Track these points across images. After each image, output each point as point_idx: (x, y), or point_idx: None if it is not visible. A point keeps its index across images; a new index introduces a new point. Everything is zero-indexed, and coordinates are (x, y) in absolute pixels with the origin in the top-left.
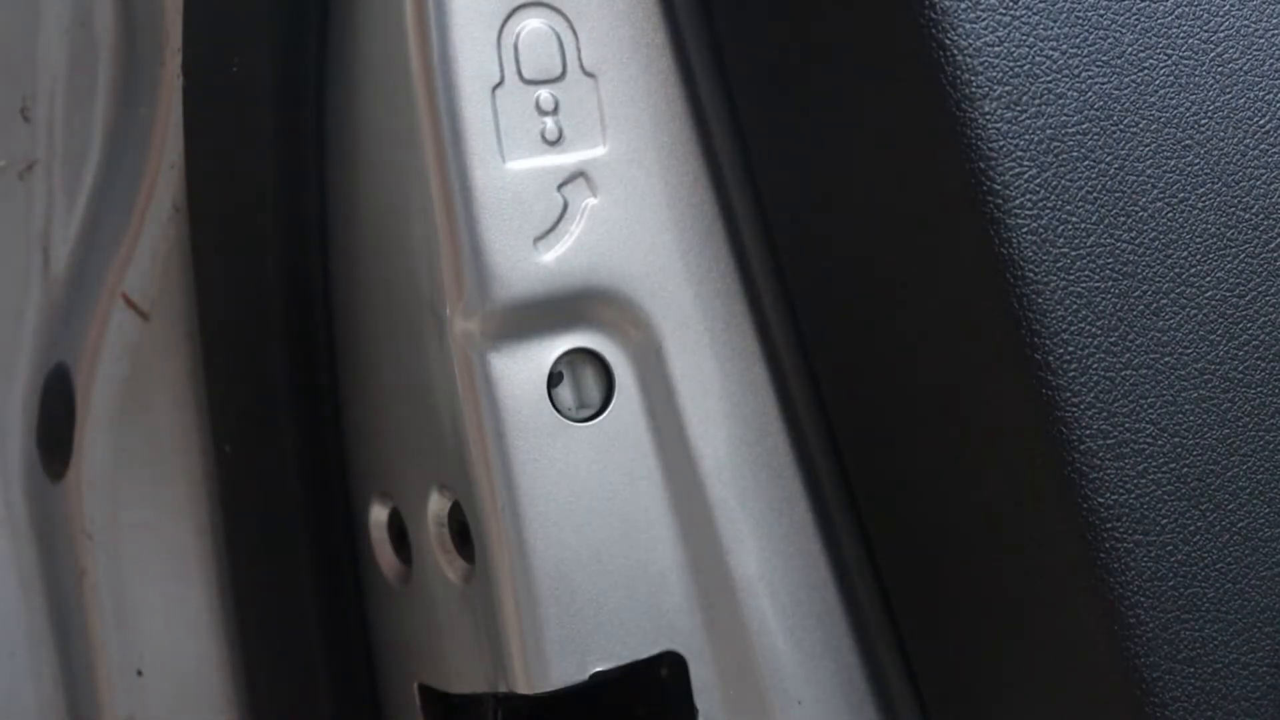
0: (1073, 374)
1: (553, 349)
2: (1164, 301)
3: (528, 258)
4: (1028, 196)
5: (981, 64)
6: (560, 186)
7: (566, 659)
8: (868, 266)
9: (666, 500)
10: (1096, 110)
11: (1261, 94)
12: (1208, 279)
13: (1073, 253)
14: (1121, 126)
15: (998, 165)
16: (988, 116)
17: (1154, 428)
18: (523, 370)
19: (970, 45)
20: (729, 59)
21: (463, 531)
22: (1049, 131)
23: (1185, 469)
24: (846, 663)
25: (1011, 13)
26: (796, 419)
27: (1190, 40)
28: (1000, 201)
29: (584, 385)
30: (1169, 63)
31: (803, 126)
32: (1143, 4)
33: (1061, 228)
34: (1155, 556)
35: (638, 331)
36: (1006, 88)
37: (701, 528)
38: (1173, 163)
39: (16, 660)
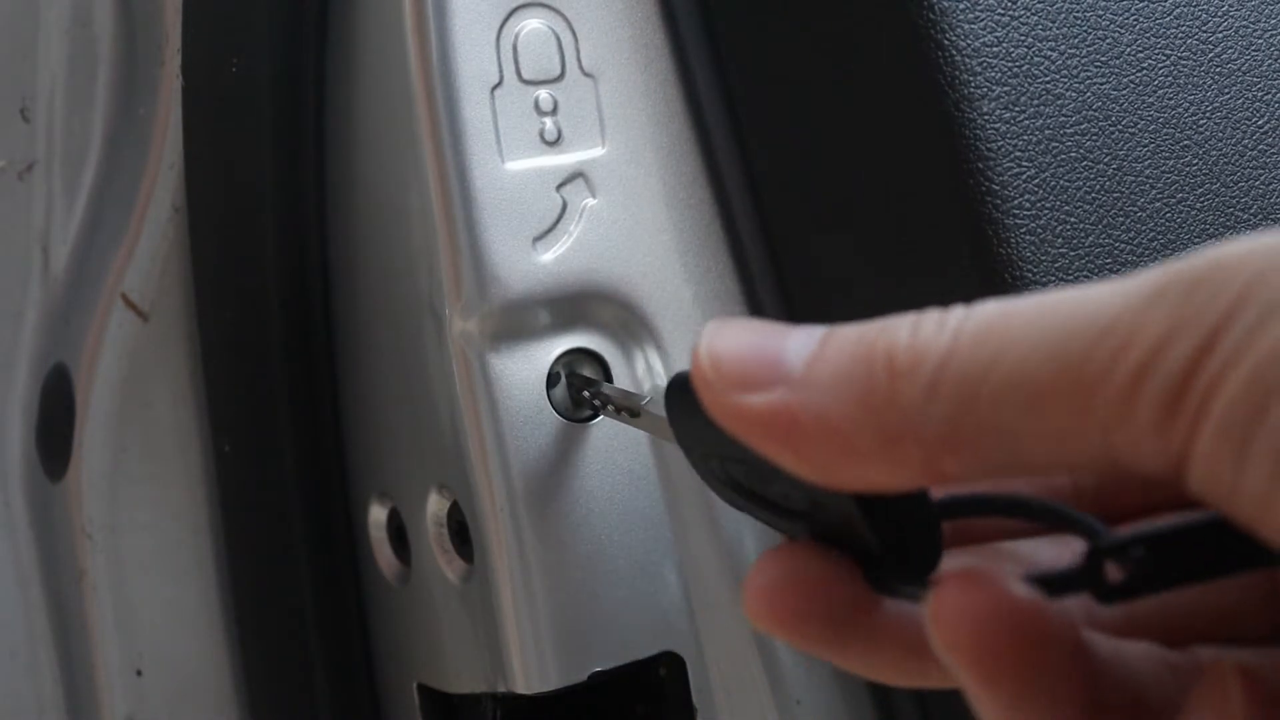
0: None
1: (552, 349)
2: None
3: (527, 258)
4: (1026, 197)
5: (980, 64)
6: (559, 187)
7: (565, 659)
8: (865, 267)
9: (665, 500)
10: (1095, 110)
11: (1260, 94)
12: None
13: (1071, 253)
14: (1120, 127)
15: (996, 165)
16: (986, 117)
17: None
18: (522, 370)
19: (969, 46)
20: (728, 59)
21: (461, 531)
22: (1047, 132)
23: None
24: None
25: (1010, 13)
26: None
27: (1189, 40)
28: (999, 202)
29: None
30: (1167, 63)
31: (801, 127)
32: (1141, 4)
33: (1060, 228)
34: None
35: (636, 331)
36: (1005, 88)
37: (700, 528)
38: (1171, 163)
39: (16, 660)
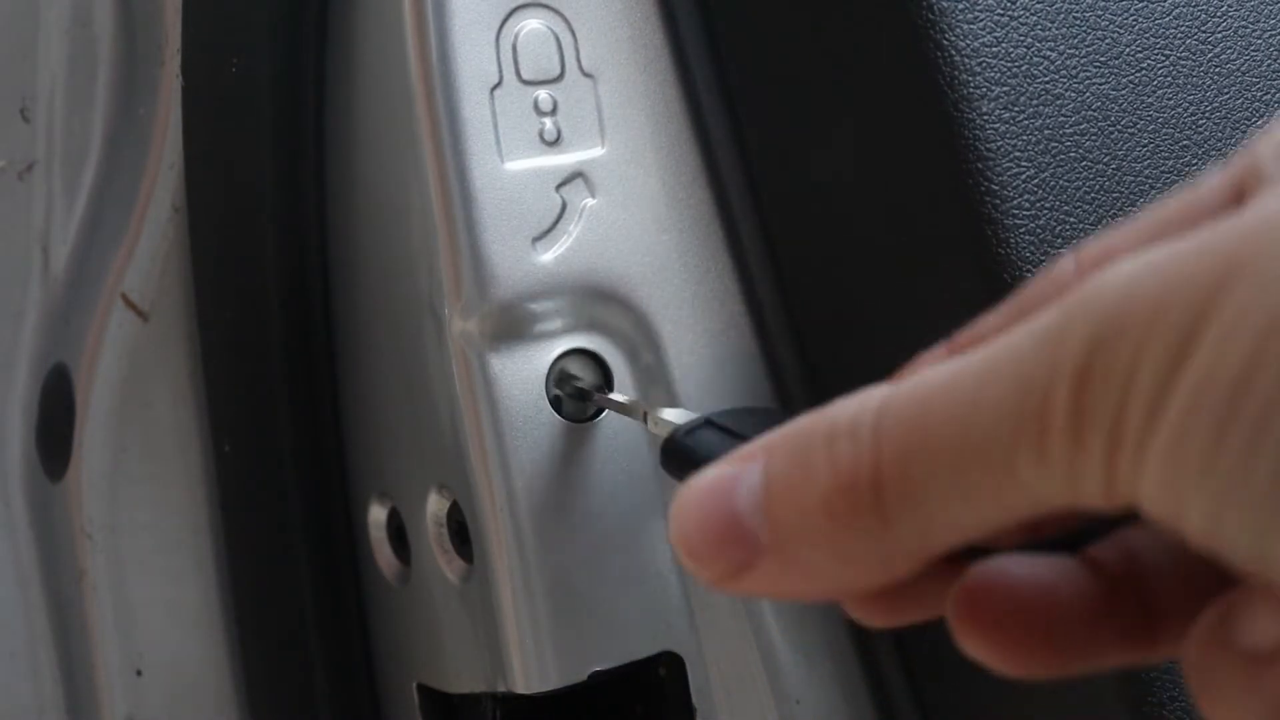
0: None
1: (551, 349)
2: None
3: (526, 258)
4: (1025, 197)
5: (979, 64)
6: (559, 187)
7: (565, 659)
8: (865, 266)
9: (664, 500)
10: (1094, 111)
11: (1259, 94)
12: None
13: None
14: (1119, 127)
15: (995, 165)
16: (985, 117)
17: None
18: (521, 370)
19: (968, 46)
20: (727, 59)
21: (461, 531)
22: (1047, 132)
23: None
24: (844, 661)
25: (1009, 13)
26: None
27: (1188, 41)
28: (998, 202)
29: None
30: (1166, 63)
31: (801, 126)
32: (1140, 4)
33: (1059, 228)
34: None
35: (635, 332)
36: (1004, 88)
37: None
38: (1170, 163)
39: (16, 660)
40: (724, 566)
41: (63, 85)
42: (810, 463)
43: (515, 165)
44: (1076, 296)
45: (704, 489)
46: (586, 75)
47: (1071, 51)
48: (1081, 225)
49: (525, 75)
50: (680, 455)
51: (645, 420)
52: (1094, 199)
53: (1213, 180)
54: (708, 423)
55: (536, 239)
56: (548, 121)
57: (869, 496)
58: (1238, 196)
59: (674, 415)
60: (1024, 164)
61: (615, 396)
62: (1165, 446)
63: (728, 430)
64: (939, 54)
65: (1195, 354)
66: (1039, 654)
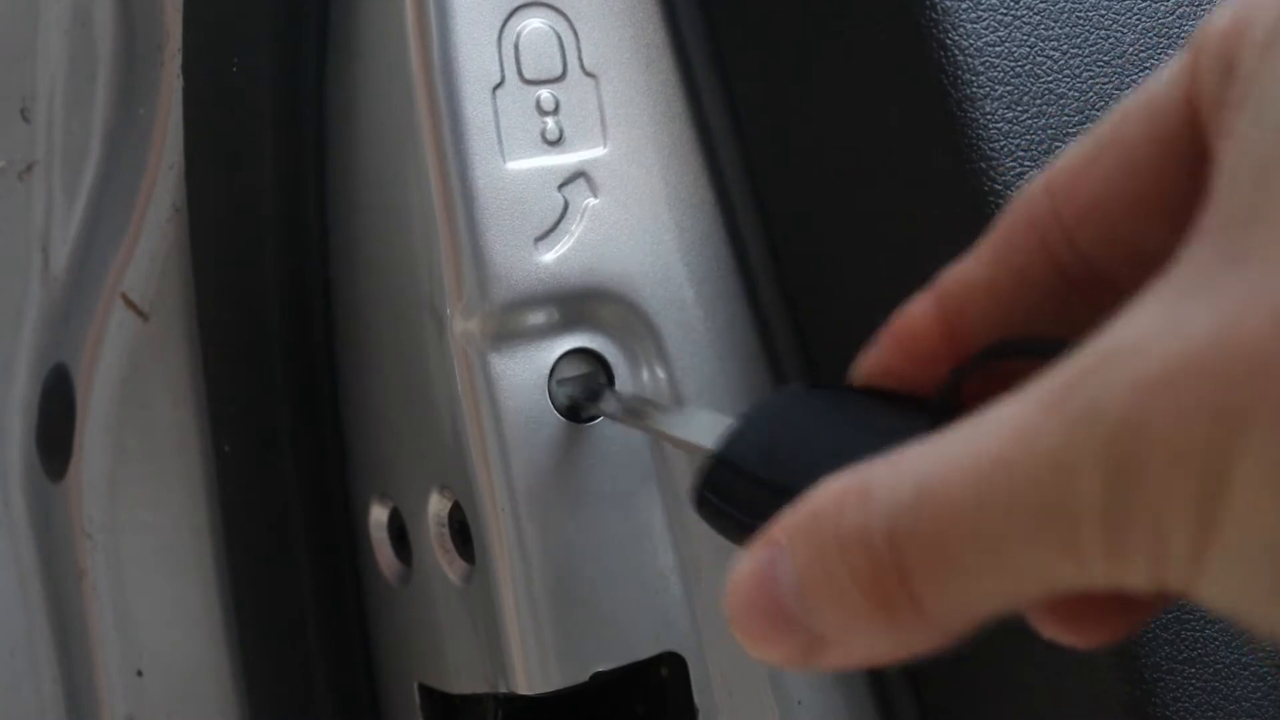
0: None
1: (553, 349)
2: None
3: (528, 258)
4: None
5: (982, 64)
6: (560, 186)
7: (567, 659)
8: (868, 266)
9: (665, 500)
10: (1097, 110)
11: None
12: None
13: None
14: None
15: (998, 165)
16: (988, 117)
17: None
18: (523, 370)
19: (971, 45)
20: (729, 59)
21: (463, 531)
22: (1050, 132)
23: None
24: None
25: (1013, 13)
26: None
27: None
28: (1001, 202)
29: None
30: (1169, 61)
31: (803, 127)
32: (1144, 3)
33: None
34: None
35: (638, 332)
36: (1007, 88)
37: (701, 527)
38: None
39: (16, 660)
40: (792, 652)
41: (63, 85)
42: (834, 574)
43: (517, 165)
44: (1077, 410)
45: (747, 585)
46: (589, 75)
47: (1075, 51)
48: None
49: (527, 75)
50: (709, 510)
51: (651, 430)
52: None
53: (1165, 80)
54: (719, 463)
55: (538, 239)
56: (550, 121)
57: (905, 603)
58: (1190, 104)
59: (688, 424)
60: (1027, 164)
61: (619, 400)
62: (1219, 584)
63: (741, 470)
64: (942, 54)
65: (1227, 503)
66: (1110, 627)
